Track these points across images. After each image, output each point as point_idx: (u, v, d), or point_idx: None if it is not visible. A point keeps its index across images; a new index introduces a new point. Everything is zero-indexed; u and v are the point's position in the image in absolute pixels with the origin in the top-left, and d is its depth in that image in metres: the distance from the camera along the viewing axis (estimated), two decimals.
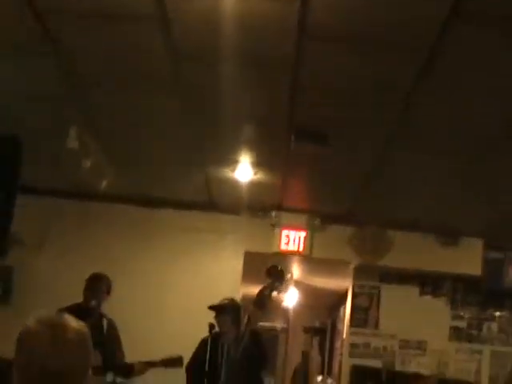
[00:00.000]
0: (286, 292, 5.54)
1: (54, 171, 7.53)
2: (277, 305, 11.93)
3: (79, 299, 6.02)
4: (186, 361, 5.87)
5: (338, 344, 10.62)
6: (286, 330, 13.11)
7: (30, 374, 1.95)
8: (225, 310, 6.11)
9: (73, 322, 2.04)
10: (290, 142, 5.91)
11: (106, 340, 5.88)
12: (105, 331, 5.92)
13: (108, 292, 6.06)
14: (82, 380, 2.03)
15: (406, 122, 5.41)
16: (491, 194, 6.88)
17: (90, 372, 2.07)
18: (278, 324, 13.05)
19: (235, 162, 6.84)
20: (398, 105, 5.08)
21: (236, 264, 8.11)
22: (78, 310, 5.89)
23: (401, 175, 6.70)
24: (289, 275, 9.82)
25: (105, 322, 5.97)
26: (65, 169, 7.37)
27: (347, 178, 6.96)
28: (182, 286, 7.99)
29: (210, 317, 6.11)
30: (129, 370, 5.72)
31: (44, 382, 1.94)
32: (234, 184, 7.44)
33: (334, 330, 11.57)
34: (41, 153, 6.91)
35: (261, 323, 5.98)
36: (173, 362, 5.64)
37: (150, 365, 5.68)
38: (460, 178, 6.51)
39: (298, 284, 10.57)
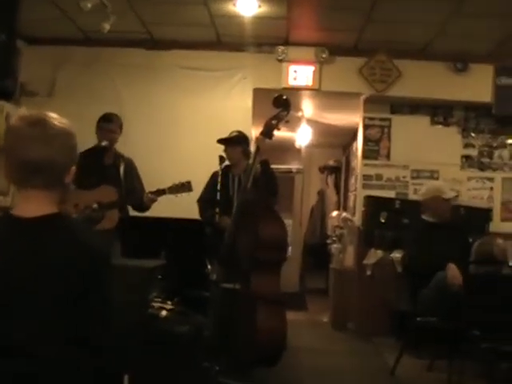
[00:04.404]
0: (291, 122, 5.48)
1: (58, 19, 7.44)
2: (290, 146, 12.01)
3: (93, 142, 6.05)
4: (195, 188, 5.82)
5: (352, 180, 10.72)
6: (301, 171, 13.21)
7: (14, 162, 2.17)
8: (234, 142, 6.14)
9: (55, 120, 2.20)
10: None
11: (124, 178, 5.97)
12: (122, 171, 5.97)
13: (119, 131, 6.09)
14: (61, 173, 2.21)
15: None
16: (502, 11, 6.68)
17: (74, 169, 2.23)
18: (293, 166, 13.12)
19: None
20: None
21: (246, 101, 8.04)
22: (94, 153, 5.96)
23: None
24: (300, 113, 9.81)
25: (122, 162, 6.02)
26: (68, 14, 7.30)
27: (353, 4, 6.81)
28: (193, 123, 7.97)
29: (221, 152, 6.17)
30: (140, 202, 5.78)
31: (25, 170, 2.16)
32: (238, 19, 7.33)
33: (348, 167, 11.64)
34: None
35: (276, 166, 5.98)
36: (181, 188, 5.61)
37: (159, 193, 5.65)
38: None
39: (309, 122, 10.54)
